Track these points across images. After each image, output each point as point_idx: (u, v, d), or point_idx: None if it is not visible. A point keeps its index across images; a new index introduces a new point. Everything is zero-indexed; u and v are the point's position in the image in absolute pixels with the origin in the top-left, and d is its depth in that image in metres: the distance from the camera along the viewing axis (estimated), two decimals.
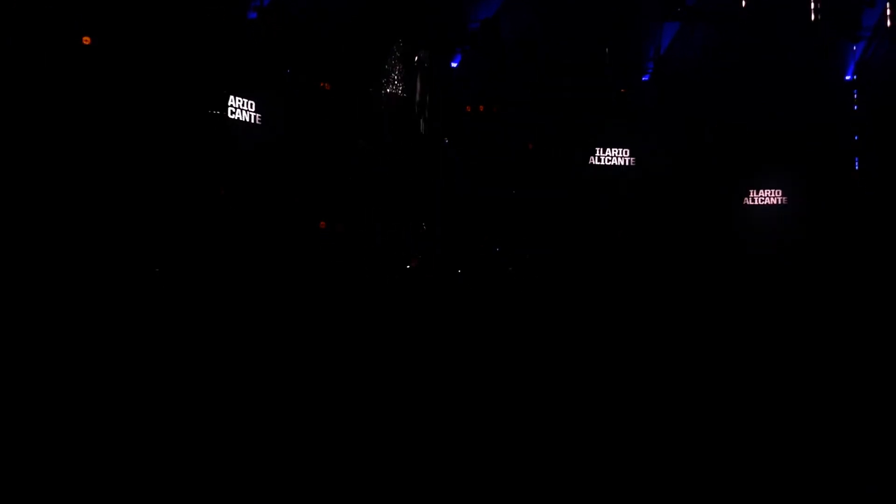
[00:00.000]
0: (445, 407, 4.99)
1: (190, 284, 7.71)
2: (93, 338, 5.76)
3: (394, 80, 10.93)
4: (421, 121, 11.04)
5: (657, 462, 4.33)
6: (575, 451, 4.42)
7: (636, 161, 14.46)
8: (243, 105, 11.55)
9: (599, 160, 14.39)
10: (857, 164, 16.68)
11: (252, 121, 11.64)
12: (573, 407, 5.15)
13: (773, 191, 15.33)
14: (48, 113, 10.20)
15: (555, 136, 13.55)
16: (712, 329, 7.72)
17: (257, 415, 4.61)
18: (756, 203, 15.35)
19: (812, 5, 16.32)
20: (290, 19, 12.44)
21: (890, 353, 6.69)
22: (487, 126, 13.03)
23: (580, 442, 4.56)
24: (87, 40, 10.71)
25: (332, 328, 6.70)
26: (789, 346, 7.10)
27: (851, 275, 11.03)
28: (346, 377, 5.38)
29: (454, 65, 14.57)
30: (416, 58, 11.08)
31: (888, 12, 16.63)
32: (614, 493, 3.98)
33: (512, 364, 6.05)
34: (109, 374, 5.06)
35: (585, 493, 3.99)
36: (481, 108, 13.09)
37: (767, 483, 4.11)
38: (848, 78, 17.09)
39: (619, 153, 14.52)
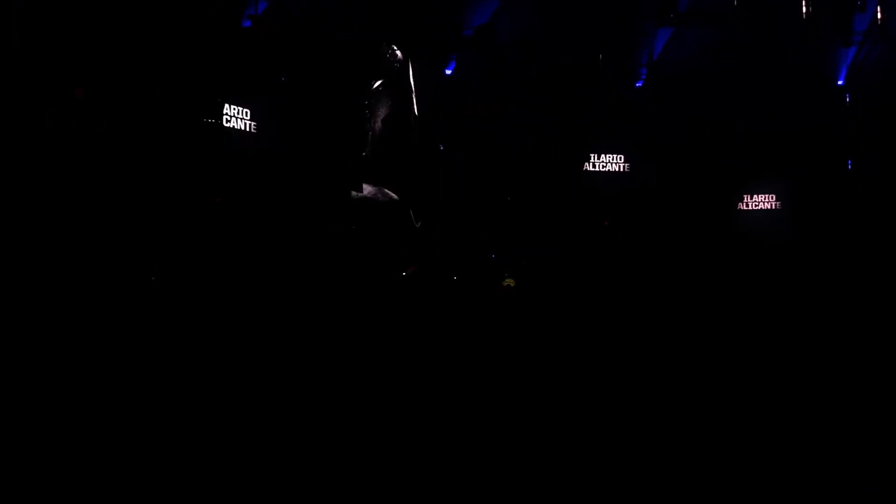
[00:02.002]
0: (446, 411, 5.00)
1: (187, 291, 7.69)
2: (91, 342, 5.74)
3: (390, 82, 10.93)
4: (419, 123, 11.04)
5: (657, 462, 4.35)
6: (575, 453, 4.44)
7: (635, 163, 14.51)
8: (238, 113, 11.57)
9: (598, 162, 14.44)
10: (849, 166, 16.76)
11: (248, 129, 11.65)
12: (574, 412, 5.16)
13: (766, 196, 15.53)
14: (42, 117, 10.20)
15: (555, 135, 13.58)
16: (712, 330, 7.74)
17: (256, 418, 4.61)
18: (750, 208, 15.52)
19: (804, 9, 16.40)
20: (289, 20, 12.42)
21: (889, 353, 6.73)
22: (487, 126, 13.04)
23: (580, 445, 4.57)
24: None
25: (331, 331, 6.68)
26: (789, 346, 7.13)
27: (846, 275, 11.10)
28: (346, 381, 5.38)
29: (448, 71, 14.59)
30: (413, 61, 11.09)
31: (879, 16, 16.73)
32: (615, 494, 4.00)
33: (513, 368, 6.06)
34: (107, 380, 5.04)
35: (586, 493, 4.01)
36: (481, 108, 13.11)
37: (767, 483, 4.13)
38: (840, 82, 17.18)
39: (616, 157, 14.57)
